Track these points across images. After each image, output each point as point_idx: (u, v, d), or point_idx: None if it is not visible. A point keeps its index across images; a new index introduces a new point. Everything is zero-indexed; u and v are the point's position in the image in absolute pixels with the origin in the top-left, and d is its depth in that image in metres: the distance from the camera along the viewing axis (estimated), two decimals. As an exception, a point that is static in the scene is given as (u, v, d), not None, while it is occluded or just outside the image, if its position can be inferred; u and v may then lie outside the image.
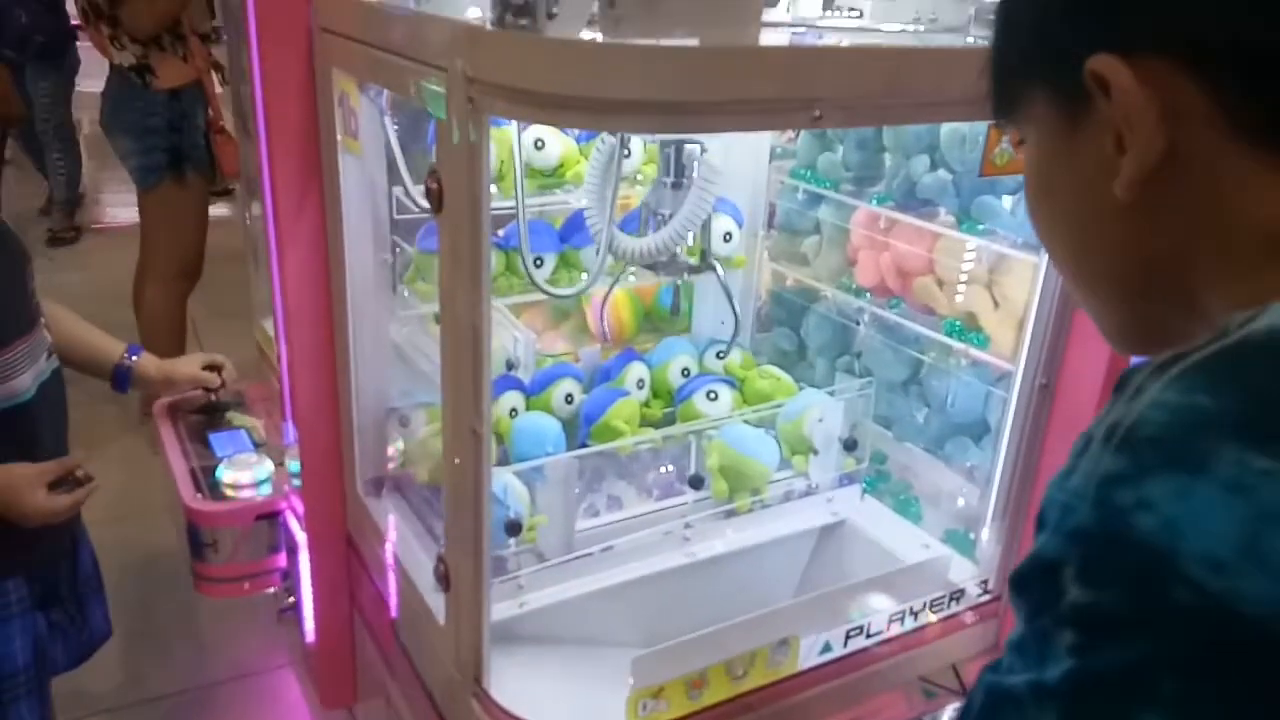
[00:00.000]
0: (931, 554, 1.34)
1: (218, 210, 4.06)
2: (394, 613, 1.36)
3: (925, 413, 1.46)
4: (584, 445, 1.44)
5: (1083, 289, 0.57)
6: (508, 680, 1.08)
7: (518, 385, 1.49)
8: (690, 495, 1.38)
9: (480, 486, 0.97)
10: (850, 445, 1.44)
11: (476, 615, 1.02)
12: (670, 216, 1.17)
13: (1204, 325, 0.50)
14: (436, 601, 1.16)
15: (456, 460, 1.01)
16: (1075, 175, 0.52)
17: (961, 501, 1.38)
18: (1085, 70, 0.48)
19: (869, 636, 1.16)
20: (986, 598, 1.25)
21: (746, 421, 1.45)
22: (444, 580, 1.09)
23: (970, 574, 1.29)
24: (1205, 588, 0.36)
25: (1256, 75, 0.45)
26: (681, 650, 1.04)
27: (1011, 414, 1.20)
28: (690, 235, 1.19)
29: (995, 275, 1.28)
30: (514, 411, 1.44)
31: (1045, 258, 1.15)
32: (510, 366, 1.59)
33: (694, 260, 1.29)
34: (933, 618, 1.21)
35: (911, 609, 1.18)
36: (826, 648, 1.12)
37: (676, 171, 1.17)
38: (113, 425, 2.95)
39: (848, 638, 1.14)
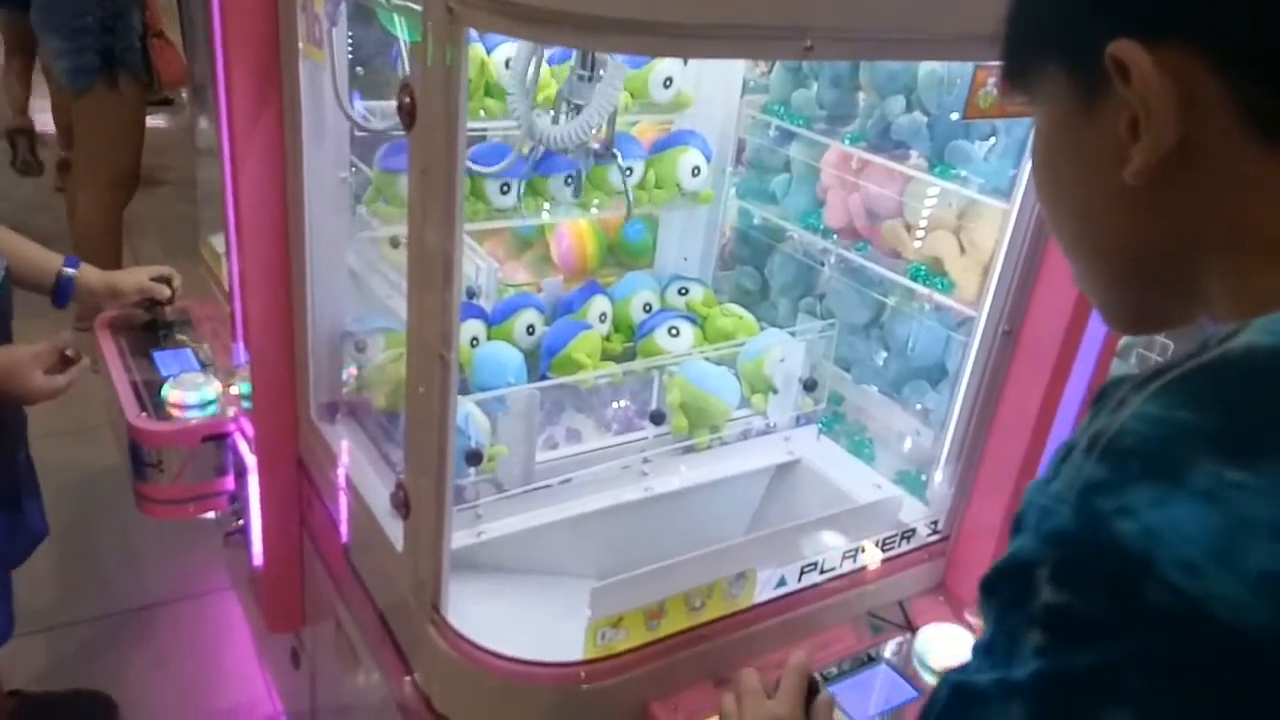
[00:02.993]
0: (883, 494, 1.36)
1: (156, 121, 3.89)
2: (346, 537, 1.35)
3: (884, 356, 1.47)
4: (545, 377, 1.42)
5: (1081, 265, 0.57)
6: (465, 607, 1.08)
7: (479, 314, 1.46)
8: (649, 430, 1.38)
9: (446, 414, 0.96)
10: (810, 386, 1.45)
11: (437, 543, 1.01)
12: (583, 107, 1.20)
13: (1204, 310, 0.51)
14: (393, 528, 1.15)
15: (421, 388, 0.99)
16: (1084, 155, 0.52)
17: (914, 444, 1.40)
18: (1106, 55, 0.47)
19: (822, 572, 1.18)
20: (936, 538, 1.28)
21: (708, 359, 1.45)
22: (403, 507, 1.08)
23: (920, 514, 1.32)
24: (1181, 590, 0.38)
25: (1279, 74, 0.44)
26: (640, 581, 1.05)
27: (972, 359, 1.22)
28: (599, 124, 1.25)
29: (964, 220, 1.29)
30: (475, 341, 1.42)
31: (1016, 204, 1.16)
32: (471, 295, 1.56)
33: (597, 146, 1.36)
34: (883, 555, 1.23)
35: (863, 546, 1.21)
36: (781, 582, 1.14)
37: (590, 66, 1.18)
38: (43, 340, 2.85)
39: (802, 573, 1.16)
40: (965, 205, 1.29)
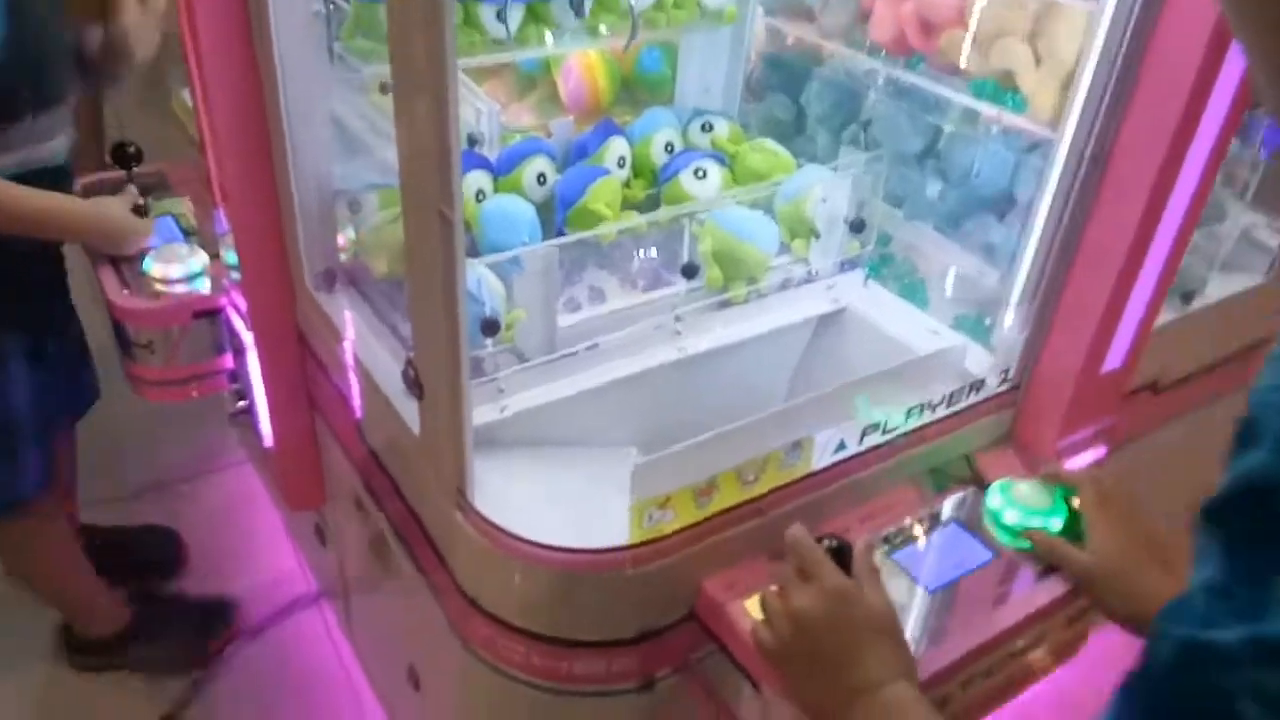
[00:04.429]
0: (942, 342, 1.24)
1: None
2: (359, 416, 1.25)
3: (941, 188, 1.31)
4: (561, 232, 1.28)
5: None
6: (494, 490, 0.98)
7: (483, 164, 1.31)
8: (681, 285, 1.24)
9: (454, 282, 0.82)
10: (857, 227, 1.31)
11: (457, 427, 0.90)
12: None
13: None
14: (408, 409, 1.04)
15: (423, 253, 0.85)
16: None
17: (977, 285, 1.26)
18: None
19: (884, 433, 1.07)
20: (1005, 387, 1.16)
21: (741, 203, 1.29)
22: (416, 387, 0.96)
23: (986, 362, 1.19)
24: None
25: None
26: (686, 456, 0.94)
27: (1051, 189, 1.06)
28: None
29: (1040, 25, 1.10)
30: (481, 195, 1.27)
31: (1103, 5, 0.97)
32: (473, 143, 1.40)
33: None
34: (950, 410, 1.12)
35: (930, 402, 1.09)
36: (841, 446, 1.03)
37: None
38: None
39: (863, 435, 1.05)
40: (1041, 7, 1.10)
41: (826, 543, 0.85)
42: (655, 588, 0.94)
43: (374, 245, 1.28)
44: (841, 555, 0.84)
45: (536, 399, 1.10)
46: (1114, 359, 1.12)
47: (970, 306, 1.29)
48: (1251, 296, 1.44)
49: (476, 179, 1.27)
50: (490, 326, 1.05)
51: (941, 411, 1.11)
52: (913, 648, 0.82)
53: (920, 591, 0.98)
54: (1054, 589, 1.00)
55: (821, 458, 1.01)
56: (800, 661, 0.81)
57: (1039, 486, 1.07)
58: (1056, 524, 1.04)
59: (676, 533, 0.93)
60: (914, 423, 1.09)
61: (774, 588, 0.84)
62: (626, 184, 1.39)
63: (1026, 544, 1.03)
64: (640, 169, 1.41)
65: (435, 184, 0.80)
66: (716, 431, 0.96)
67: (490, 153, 1.38)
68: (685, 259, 1.21)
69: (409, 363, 0.97)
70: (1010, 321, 1.16)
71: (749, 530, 0.98)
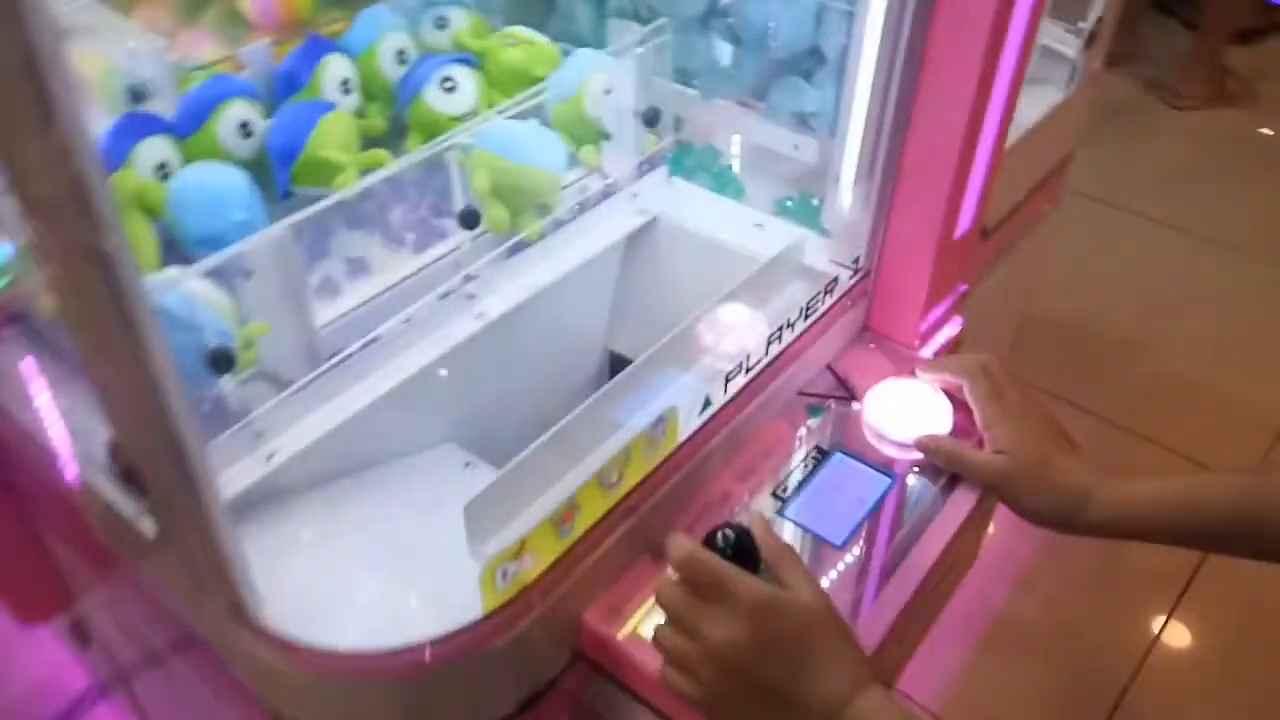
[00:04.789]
0: (771, 237, 1.06)
1: None
2: (75, 489, 0.94)
3: (734, 54, 1.11)
4: (287, 195, 0.99)
5: None
6: (280, 581, 0.73)
7: (158, 125, 0.98)
8: (461, 236, 1.00)
9: (138, 340, 0.55)
10: (651, 118, 1.09)
11: (204, 527, 0.64)
12: None
13: None
14: (131, 502, 0.76)
15: (81, 306, 0.57)
16: None
17: (794, 162, 1.09)
18: None
19: (748, 372, 0.89)
20: (858, 278, 1.01)
21: (508, 117, 1.04)
22: (130, 480, 0.68)
23: (824, 252, 1.04)
24: None
25: None
26: (523, 476, 0.73)
27: (868, 35, 0.88)
28: None
29: None
30: (164, 170, 0.95)
31: None
32: (137, 98, 1.05)
33: None
34: (809, 321, 0.96)
35: (789, 319, 0.92)
36: (706, 404, 0.85)
37: None
38: None
39: (727, 381, 0.87)
40: None
41: (721, 540, 0.67)
42: (528, 648, 0.74)
43: (30, 278, 0.94)
44: (743, 547, 0.67)
45: (311, 431, 0.85)
46: (965, 220, 0.98)
47: (791, 187, 1.12)
48: (1058, 114, 1.36)
49: (153, 149, 0.95)
50: (220, 359, 0.77)
51: (800, 326, 0.94)
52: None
53: (830, 550, 0.83)
54: (965, 501, 0.88)
55: (688, 424, 0.83)
56: (737, 703, 0.64)
57: (919, 388, 0.94)
58: (946, 425, 0.91)
59: (540, 577, 0.72)
60: (775, 348, 0.92)
61: (667, 623, 0.67)
62: (360, 114, 1.10)
63: (916, 454, 0.91)
64: (371, 90, 1.12)
65: (73, 213, 0.51)
66: (557, 429, 0.75)
67: (165, 107, 1.04)
68: (460, 203, 0.96)
69: (113, 447, 0.69)
70: (849, 201, 0.99)
71: (622, 537, 0.79)
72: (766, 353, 0.90)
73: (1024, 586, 1.76)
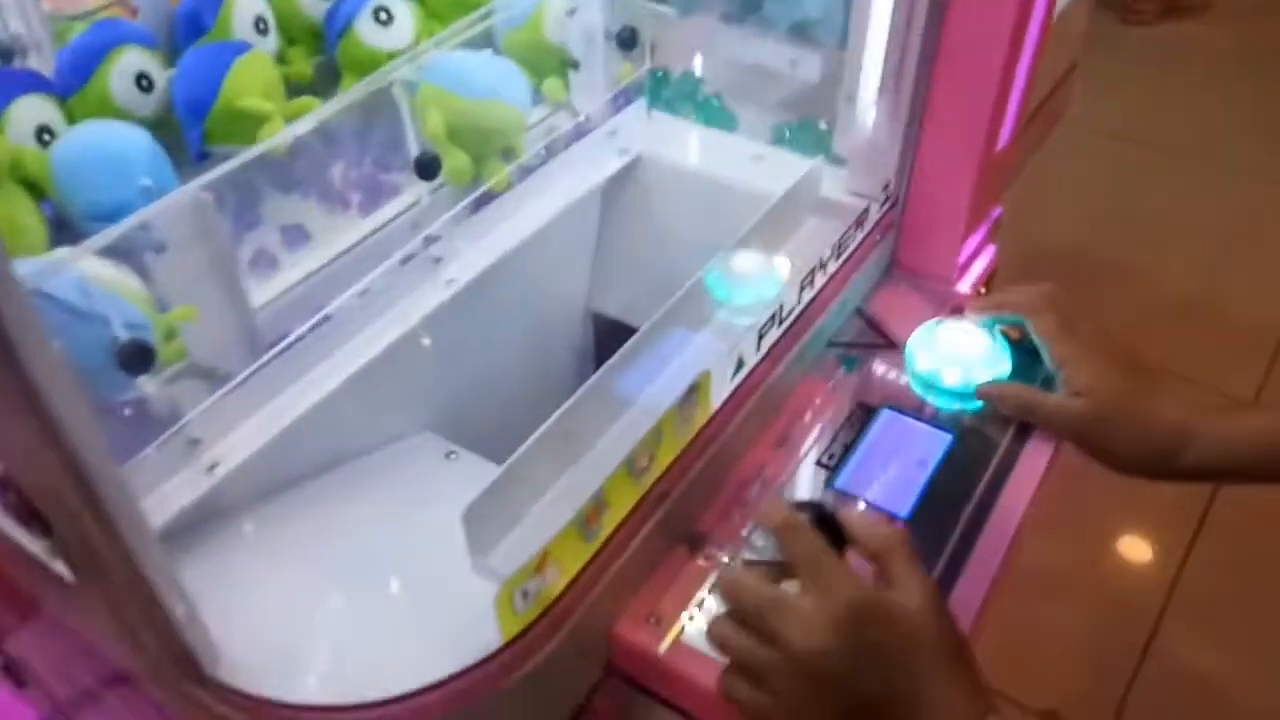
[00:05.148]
0: (782, 168, 0.92)
1: None
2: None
3: (715, -38, 0.96)
4: (203, 157, 0.83)
5: None
6: (240, 628, 0.59)
7: (36, 83, 0.80)
8: (418, 189, 0.84)
9: (13, 341, 0.39)
10: (627, 40, 0.94)
11: (134, 578, 0.48)
12: None
13: None
14: (40, 542, 0.60)
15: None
16: None
17: (794, 81, 0.95)
18: None
19: (780, 324, 0.75)
20: (888, 206, 0.88)
21: (457, 46, 0.88)
22: (35, 522, 0.52)
23: (843, 181, 0.90)
24: None
25: None
26: (530, 466, 0.59)
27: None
28: None
29: None
30: (46, 134, 0.78)
31: None
32: (5, 56, 0.88)
33: None
34: (840, 261, 0.82)
35: (821, 258, 0.79)
36: (739, 365, 0.71)
37: None
38: None
39: (760, 338, 0.73)
40: None
41: (805, 518, 0.54)
42: (554, 675, 0.60)
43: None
44: (825, 529, 0.54)
45: (259, 433, 0.69)
46: (1007, 128, 0.86)
47: (788, 112, 0.98)
48: (1071, 10, 1.23)
49: (30, 109, 0.78)
50: (134, 355, 0.61)
51: (832, 266, 0.81)
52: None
53: (899, 526, 0.70)
54: (1040, 454, 0.76)
55: (720, 389, 0.69)
56: None
57: (969, 328, 0.81)
58: (1005, 369, 0.79)
59: (566, 590, 0.58)
60: (807, 294, 0.78)
61: (730, 616, 0.54)
62: (281, 58, 0.93)
63: (977, 405, 0.78)
64: (290, 29, 0.95)
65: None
66: (566, 408, 0.61)
67: (43, 63, 0.87)
68: (414, 150, 0.80)
69: (6, 483, 0.53)
70: (870, 119, 0.86)
71: (654, 529, 0.65)
72: (799, 300, 0.77)
73: (1039, 529, 1.67)
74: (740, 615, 0.53)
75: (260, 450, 0.68)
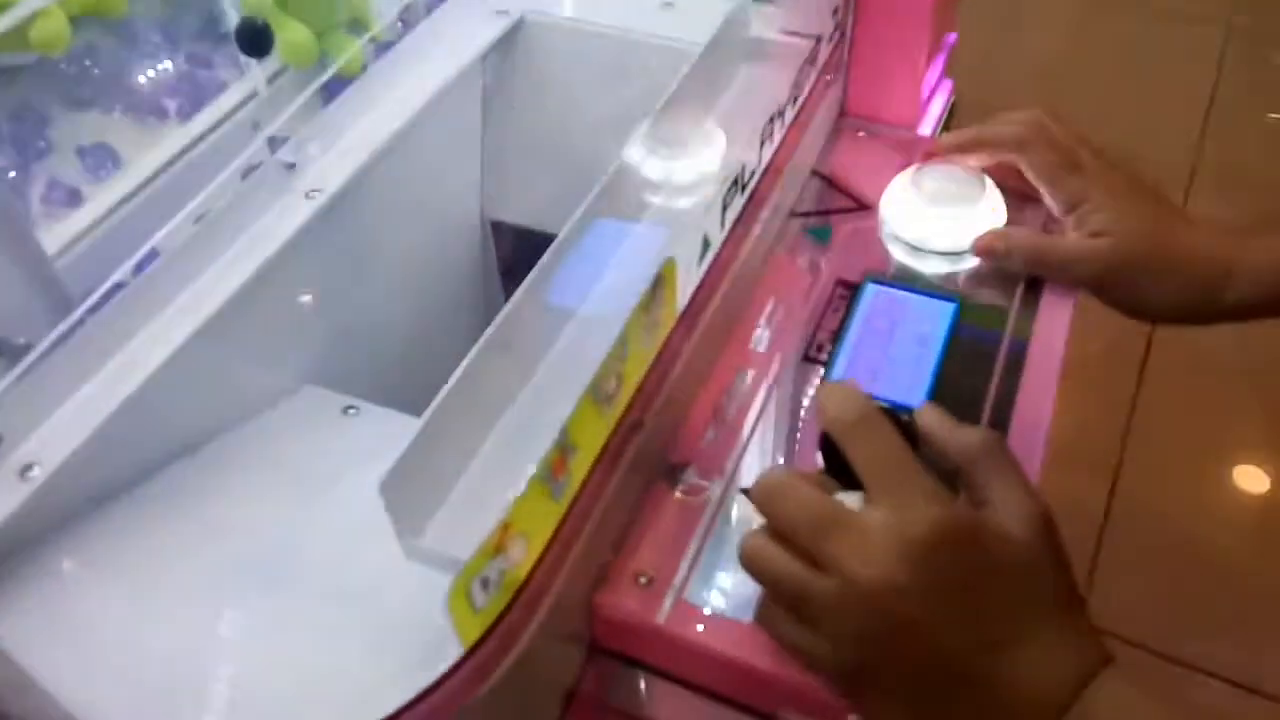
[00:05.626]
0: (687, 15, 0.77)
1: None
2: None
3: None
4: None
5: None
6: (82, 669, 0.43)
7: None
8: (252, 77, 0.65)
9: None
10: None
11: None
12: None
13: None
14: None
15: None
16: None
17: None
18: None
19: (743, 190, 0.61)
20: (833, 46, 0.73)
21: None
22: None
23: (773, 20, 0.75)
24: None
25: None
26: (460, 411, 0.44)
27: None
28: None
29: None
30: None
31: None
32: None
33: None
34: (795, 110, 0.67)
35: (780, 109, 0.64)
36: (704, 246, 0.56)
37: None
38: None
39: (724, 211, 0.58)
40: None
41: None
42: (530, 676, 0.45)
43: None
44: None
45: (83, 417, 0.51)
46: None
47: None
48: None
49: None
50: None
51: (790, 114, 0.66)
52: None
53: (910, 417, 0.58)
54: (1060, 309, 0.65)
55: (687, 280, 0.54)
56: (888, 674, 0.40)
57: (951, 173, 0.68)
58: (1000, 218, 0.67)
59: (536, 566, 0.44)
60: (767, 151, 0.63)
61: (767, 532, 0.41)
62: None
63: (973, 262, 0.66)
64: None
65: None
66: (495, 327, 0.46)
67: None
68: (233, 19, 0.61)
69: None
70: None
71: (628, 470, 0.51)
72: (760, 160, 0.62)
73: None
74: (785, 531, 0.41)
75: (90, 438, 0.51)
